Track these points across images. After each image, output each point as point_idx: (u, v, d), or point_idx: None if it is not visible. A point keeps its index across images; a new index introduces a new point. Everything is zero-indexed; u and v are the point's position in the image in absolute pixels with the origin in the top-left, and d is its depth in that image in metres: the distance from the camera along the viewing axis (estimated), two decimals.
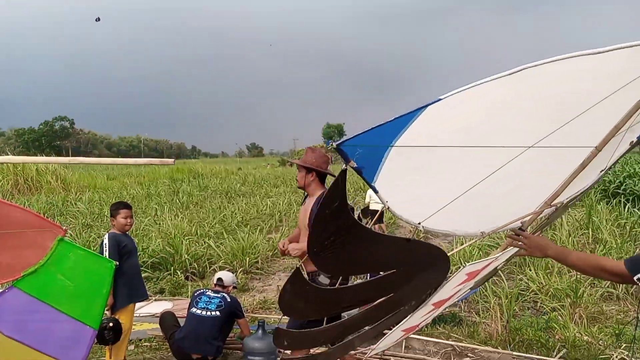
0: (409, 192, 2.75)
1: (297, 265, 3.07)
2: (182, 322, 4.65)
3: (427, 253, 2.99)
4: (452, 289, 3.47)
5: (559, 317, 5.49)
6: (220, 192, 21.48)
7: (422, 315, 3.62)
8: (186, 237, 9.50)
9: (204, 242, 9.43)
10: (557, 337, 4.95)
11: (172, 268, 7.88)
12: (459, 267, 3.31)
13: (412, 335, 5.03)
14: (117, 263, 2.66)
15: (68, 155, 73.50)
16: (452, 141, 2.62)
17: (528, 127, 2.76)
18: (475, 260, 4.15)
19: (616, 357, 4.35)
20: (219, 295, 4.62)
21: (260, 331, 3.93)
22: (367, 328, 3.43)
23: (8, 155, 21.61)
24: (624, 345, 4.72)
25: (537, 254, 2.48)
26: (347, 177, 2.27)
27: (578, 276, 6.98)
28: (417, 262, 3.00)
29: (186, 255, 8.20)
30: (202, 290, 4.78)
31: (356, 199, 12.29)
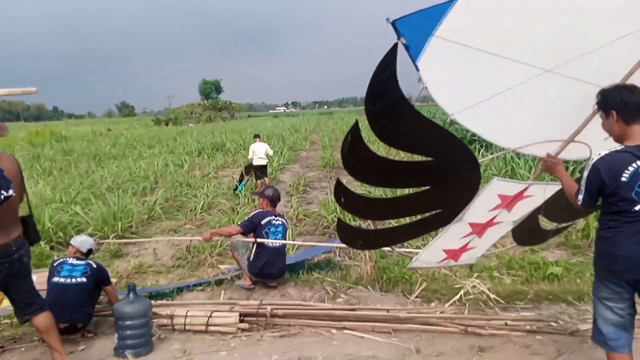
0: (446, 81, 3.03)
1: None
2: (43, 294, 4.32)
3: (460, 148, 3.33)
4: (488, 212, 3.77)
5: None
6: (88, 155, 19.95)
7: (461, 236, 3.87)
8: (49, 205, 8.76)
9: (70, 210, 8.77)
10: (419, 272, 5.42)
11: None
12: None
13: (290, 284, 5.22)
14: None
15: None
16: (485, 44, 2.91)
17: (553, 49, 3.01)
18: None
19: (469, 285, 4.88)
20: (82, 262, 4.37)
21: (131, 295, 3.79)
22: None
23: None
24: (476, 274, 5.32)
25: (551, 172, 3.18)
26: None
27: None
28: (450, 155, 3.33)
29: (49, 224, 7.59)
30: (62, 259, 4.46)
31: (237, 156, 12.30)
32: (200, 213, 9.33)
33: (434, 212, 3.72)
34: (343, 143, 3.04)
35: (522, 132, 3.40)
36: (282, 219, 5.51)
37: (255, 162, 11.60)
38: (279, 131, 31.52)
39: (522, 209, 3.91)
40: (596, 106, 2.97)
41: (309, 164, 17.04)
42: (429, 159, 3.35)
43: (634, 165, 2.61)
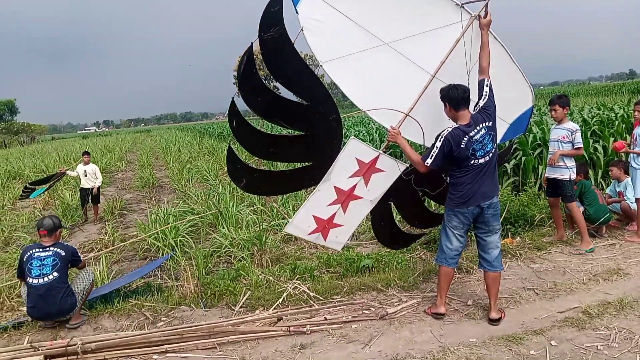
0: (317, 30, 3.78)
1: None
2: None
3: (327, 97, 4.08)
4: (348, 178, 4.36)
5: (247, 265, 6.04)
6: None
7: (328, 203, 4.35)
8: None
9: None
10: (243, 282, 5.45)
11: None
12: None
13: (104, 314, 4.80)
14: None
15: None
16: (346, 9, 3.87)
17: (395, 27, 4.04)
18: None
19: (290, 287, 5.06)
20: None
21: None
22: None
23: None
24: (298, 276, 5.54)
25: (395, 141, 4.23)
26: None
27: (264, 226, 7.83)
28: (319, 101, 4.03)
29: None
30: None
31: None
32: None
33: (307, 163, 4.32)
34: (239, 64, 3.72)
35: (372, 98, 4.15)
36: (55, 248, 4.68)
37: (86, 185, 10.35)
38: (90, 152, 28.92)
39: (377, 186, 4.51)
40: (423, 87, 4.18)
41: (125, 185, 15.97)
42: (305, 102, 3.98)
43: (466, 137, 3.88)
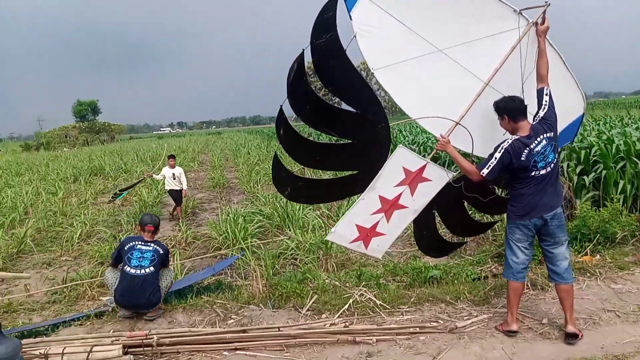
0: (370, 37, 3.72)
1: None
2: None
3: (377, 106, 4.00)
4: (394, 187, 4.30)
5: (313, 268, 6.12)
6: None
7: (371, 212, 4.31)
8: None
9: None
10: (310, 286, 5.51)
11: None
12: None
13: (178, 309, 5.02)
14: None
15: None
16: (401, 14, 3.76)
17: (447, 34, 3.92)
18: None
19: (357, 293, 5.06)
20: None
21: None
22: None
23: None
24: (364, 283, 5.53)
25: (444, 150, 4.13)
26: None
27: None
28: (369, 109, 3.97)
29: None
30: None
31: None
32: (78, 243, 8.67)
33: (352, 172, 4.28)
34: (289, 71, 3.68)
35: (422, 105, 4.08)
36: (156, 245, 5.09)
37: (171, 187, 10.81)
38: (165, 152, 30.39)
39: (423, 195, 4.43)
40: (476, 95, 4.07)
41: (197, 185, 16.61)
42: (353, 110, 3.95)
43: (527, 149, 3.81)
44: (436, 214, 4.82)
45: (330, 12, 3.58)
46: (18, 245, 8.40)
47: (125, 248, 4.98)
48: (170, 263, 5.41)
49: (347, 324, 4.37)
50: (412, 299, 5.03)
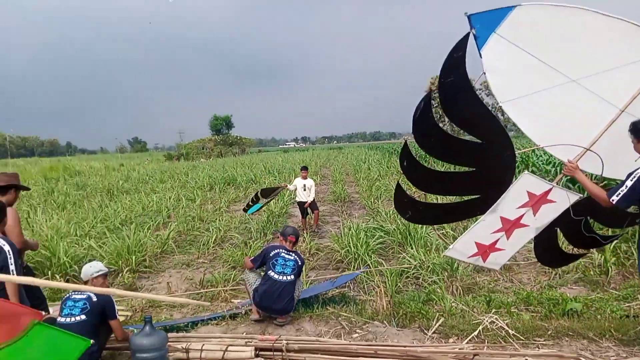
0: (500, 71, 3.77)
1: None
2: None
3: (503, 134, 4.03)
4: (516, 209, 4.36)
5: (438, 290, 5.94)
6: (101, 190, 20.15)
7: (491, 231, 4.42)
8: (64, 239, 8.81)
9: (85, 243, 8.82)
10: (435, 308, 5.35)
11: (49, 272, 7.30)
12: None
13: (305, 317, 5.17)
14: (93, 341, 2.63)
15: None
16: (531, 48, 3.71)
17: (579, 64, 3.79)
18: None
19: (487, 320, 4.81)
20: (83, 297, 4.18)
21: (147, 327, 3.79)
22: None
23: None
24: (494, 310, 5.25)
25: (572, 175, 4.00)
26: None
27: None
28: (495, 138, 4.02)
29: (65, 258, 7.62)
30: (67, 296, 4.31)
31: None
32: (213, 247, 9.33)
33: (475, 196, 4.32)
34: (415, 110, 3.83)
35: (551, 133, 4.01)
36: (296, 256, 5.45)
37: (301, 198, 11.18)
38: (290, 165, 31.72)
39: (545, 215, 4.37)
40: (610, 121, 3.88)
41: (320, 199, 17.04)
42: (478, 140, 4.01)
43: None
44: (558, 230, 4.69)
45: (460, 52, 3.66)
46: (162, 246, 9.26)
47: (271, 254, 5.32)
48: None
49: (477, 350, 4.16)
50: (549, 332, 4.65)
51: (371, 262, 7.06)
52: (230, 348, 4.18)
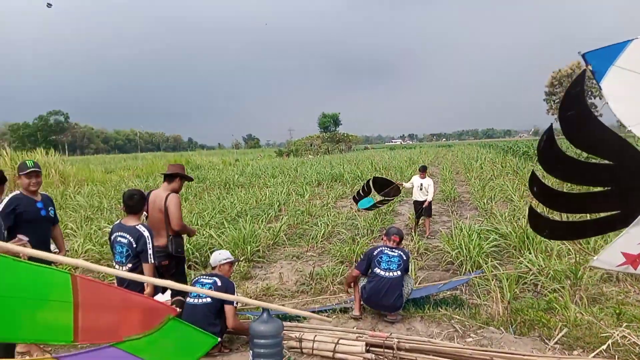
0: (622, 99, 3.84)
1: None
2: None
3: (638, 157, 3.99)
4: None
5: (560, 298, 5.54)
6: (219, 183, 21.48)
7: (637, 242, 4.34)
8: None
9: (205, 232, 9.46)
10: (558, 317, 4.99)
11: None
12: None
13: (416, 317, 5.09)
14: (220, 339, 2.74)
15: (64, 150, 72.94)
16: None
17: None
18: None
19: (618, 334, 4.40)
20: (210, 281, 4.62)
21: (265, 314, 3.96)
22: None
23: (6, 150, 21.55)
24: (625, 324, 4.78)
25: None
26: None
27: (578, 258, 7.04)
28: (630, 162, 4.00)
29: (188, 245, 8.23)
30: (196, 278, 4.84)
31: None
32: (321, 241, 9.54)
33: (613, 212, 4.28)
34: (539, 142, 3.96)
35: None
36: (400, 251, 5.41)
37: (417, 198, 10.82)
38: (396, 163, 31.43)
39: None
40: None
41: None
42: (610, 162, 4.06)
43: None
44: None
45: (578, 88, 3.84)
46: (274, 238, 9.66)
47: (374, 253, 5.34)
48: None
49: None
50: None
51: (486, 266, 6.77)
52: (341, 341, 4.25)
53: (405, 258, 5.32)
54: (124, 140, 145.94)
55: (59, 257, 2.46)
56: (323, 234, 9.88)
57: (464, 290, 6.34)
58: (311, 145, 69.88)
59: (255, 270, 7.82)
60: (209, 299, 4.47)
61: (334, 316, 5.25)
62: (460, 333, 4.66)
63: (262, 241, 9.14)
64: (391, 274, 5.15)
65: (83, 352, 2.72)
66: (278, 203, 14.33)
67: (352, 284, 5.41)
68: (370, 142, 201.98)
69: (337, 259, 8.07)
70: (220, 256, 4.90)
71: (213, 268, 4.89)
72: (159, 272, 4.74)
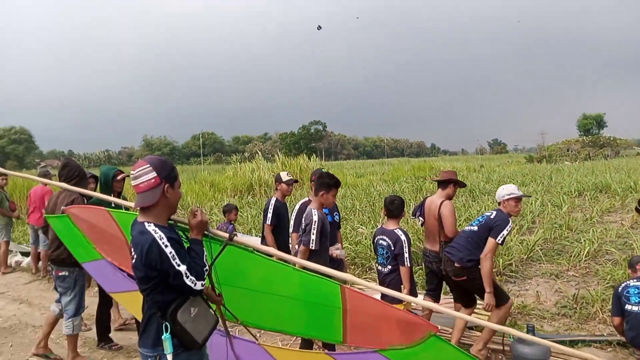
0: None
1: None
2: None
3: None
4: None
5: None
6: (464, 190, 21.06)
7: None
8: None
9: None
10: None
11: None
12: None
13: None
14: None
15: (321, 156, 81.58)
16: None
17: None
18: None
19: None
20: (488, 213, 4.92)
21: (528, 334, 3.71)
22: None
23: (278, 155, 25.26)
24: None
25: None
26: None
27: None
28: None
29: None
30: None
31: None
32: (585, 260, 8.49)
33: None
34: None
35: None
36: None
37: None
38: None
39: None
40: None
41: None
42: None
43: None
44: None
45: None
46: (527, 252, 8.99)
47: (619, 290, 4.49)
48: None
49: None
50: None
51: None
52: None
53: None
54: (371, 146, 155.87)
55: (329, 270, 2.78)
56: (587, 252, 8.78)
57: None
58: (568, 150, 63.04)
59: (508, 285, 7.41)
60: None
61: (609, 349, 4.62)
62: None
63: (514, 254, 8.62)
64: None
65: (351, 352, 3.01)
66: (531, 213, 13.31)
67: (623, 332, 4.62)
68: None
69: (607, 283, 7.07)
70: (503, 191, 4.90)
71: (499, 204, 4.91)
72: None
